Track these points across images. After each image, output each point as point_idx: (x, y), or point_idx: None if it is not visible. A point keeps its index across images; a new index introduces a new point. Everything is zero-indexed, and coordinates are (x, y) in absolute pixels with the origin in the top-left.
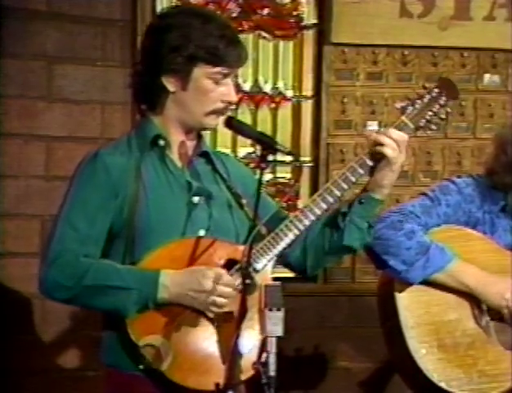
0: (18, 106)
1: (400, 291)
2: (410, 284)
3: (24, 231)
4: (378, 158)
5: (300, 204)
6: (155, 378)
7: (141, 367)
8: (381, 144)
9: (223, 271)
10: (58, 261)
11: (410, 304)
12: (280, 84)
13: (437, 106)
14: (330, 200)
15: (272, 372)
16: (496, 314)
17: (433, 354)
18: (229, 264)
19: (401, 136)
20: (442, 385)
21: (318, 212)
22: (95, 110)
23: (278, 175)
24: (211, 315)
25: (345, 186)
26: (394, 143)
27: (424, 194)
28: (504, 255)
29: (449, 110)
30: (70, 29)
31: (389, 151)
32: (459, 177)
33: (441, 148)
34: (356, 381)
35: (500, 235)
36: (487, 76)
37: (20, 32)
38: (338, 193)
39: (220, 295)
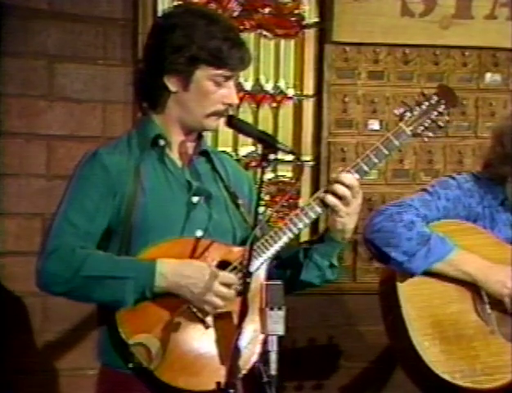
0: (19, 104)
1: (402, 285)
2: (413, 275)
3: (26, 230)
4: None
5: (301, 203)
6: (147, 378)
7: (130, 365)
8: (330, 192)
9: (222, 271)
10: (55, 254)
11: (412, 297)
12: (282, 83)
13: (436, 114)
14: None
15: (273, 371)
16: (497, 304)
17: (436, 347)
18: (222, 266)
19: (349, 179)
20: (446, 377)
21: (313, 216)
22: (96, 109)
23: (279, 174)
24: (208, 311)
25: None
26: (342, 187)
27: (424, 190)
28: (504, 248)
29: (448, 118)
30: (71, 28)
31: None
32: (459, 173)
33: (442, 147)
34: (357, 380)
35: (500, 229)
36: (488, 75)
37: (21, 30)
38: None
39: (217, 295)
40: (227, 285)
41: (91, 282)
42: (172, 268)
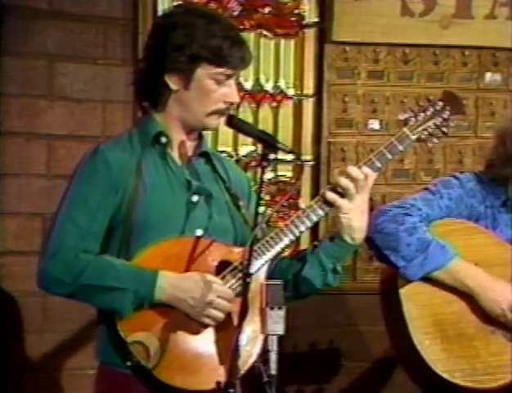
0: (19, 104)
1: (403, 284)
2: (410, 281)
3: (26, 229)
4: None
5: (301, 202)
6: (145, 377)
7: (128, 363)
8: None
9: (221, 283)
10: (57, 256)
11: (413, 296)
12: (282, 83)
13: (440, 120)
14: (326, 208)
15: (273, 371)
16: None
17: (437, 345)
18: (222, 266)
19: (355, 172)
20: (446, 376)
21: (315, 218)
22: (96, 108)
23: (279, 174)
24: (207, 323)
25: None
26: (345, 179)
27: (426, 189)
28: (505, 248)
29: (452, 124)
30: (71, 28)
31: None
32: (461, 173)
33: (442, 147)
34: (357, 380)
35: (501, 229)
36: (488, 75)
37: (21, 30)
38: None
39: (216, 308)
40: (226, 298)
41: (90, 290)
42: (171, 282)
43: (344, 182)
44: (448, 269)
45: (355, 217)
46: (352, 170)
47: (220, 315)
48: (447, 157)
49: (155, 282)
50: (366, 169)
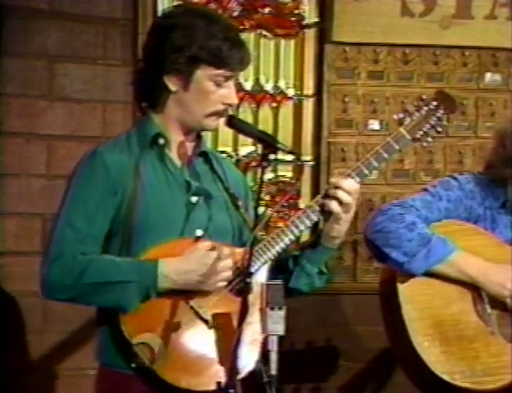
0: (19, 104)
1: (402, 285)
2: (413, 276)
3: (26, 230)
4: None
5: (301, 203)
6: (149, 378)
7: (133, 365)
8: (331, 198)
9: (218, 245)
10: (57, 262)
11: (412, 297)
12: (282, 83)
13: (435, 119)
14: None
15: (274, 371)
16: (498, 304)
17: (436, 347)
18: None
19: (352, 185)
20: (445, 377)
21: (315, 218)
22: (96, 109)
23: (279, 174)
24: (221, 286)
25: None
26: (346, 194)
27: (425, 190)
28: (505, 249)
29: (446, 123)
30: (71, 28)
31: (334, 206)
32: (460, 174)
33: (442, 147)
34: (356, 380)
35: (501, 231)
36: (488, 75)
37: (21, 30)
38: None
39: (223, 270)
40: (226, 257)
41: (94, 288)
42: (173, 268)
43: (345, 197)
44: (451, 262)
45: (345, 227)
46: (346, 184)
47: (229, 274)
48: (447, 157)
49: (157, 270)
50: (351, 181)
